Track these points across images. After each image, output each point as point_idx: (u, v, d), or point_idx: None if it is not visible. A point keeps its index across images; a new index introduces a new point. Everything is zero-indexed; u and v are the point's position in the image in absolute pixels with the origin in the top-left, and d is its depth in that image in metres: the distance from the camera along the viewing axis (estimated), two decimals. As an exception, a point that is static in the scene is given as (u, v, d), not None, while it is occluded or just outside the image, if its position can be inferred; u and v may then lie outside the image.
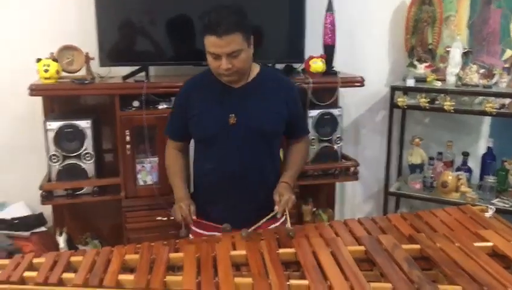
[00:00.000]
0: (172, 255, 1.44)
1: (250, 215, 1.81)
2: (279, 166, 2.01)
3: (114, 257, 1.43)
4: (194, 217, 1.83)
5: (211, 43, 1.69)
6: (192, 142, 2.04)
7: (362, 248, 1.48)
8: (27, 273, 1.35)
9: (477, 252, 1.43)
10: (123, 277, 1.32)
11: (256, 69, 1.90)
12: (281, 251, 1.46)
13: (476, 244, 1.49)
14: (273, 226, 1.86)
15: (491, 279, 1.29)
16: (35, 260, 1.42)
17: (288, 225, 1.66)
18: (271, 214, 1.74)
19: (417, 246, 1.48)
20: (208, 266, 1.37)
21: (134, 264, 1.41)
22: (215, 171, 1.88)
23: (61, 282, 1.32)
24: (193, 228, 1.96)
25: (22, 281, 1.34)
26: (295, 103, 1.96)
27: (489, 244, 1.50)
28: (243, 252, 1.45)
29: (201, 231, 1.92)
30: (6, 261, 1.43)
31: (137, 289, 1.28)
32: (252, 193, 1.86)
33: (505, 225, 1.69)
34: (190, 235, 1.95)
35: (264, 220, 1.73)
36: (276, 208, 1.75)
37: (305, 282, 1.29)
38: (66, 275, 1.34)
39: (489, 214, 1.77)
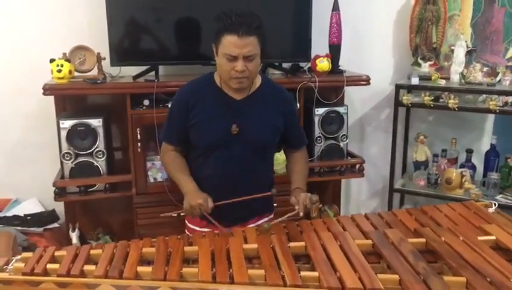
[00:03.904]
0: (187, 248, 1.49)
1: (242, 217, 1.92)
2: (272, 170, 2.09)
3: (132, 250, 1.48)
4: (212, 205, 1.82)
5: (230, 42, 1.70)
6: None
7: (369, 241, 1.53)
8: (50, 266, 1.41)
9: (480, 246, 1.47)
10: (142, 269, 1.38)
11: (258, 80, 1.91)
12: (292, 244, 1.51)
13: (480, 238, 1.54)
14: (260, 222, 1.96)
15: (494, 271, 1.33)
16: (57, 253, 1.48)
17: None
18: (293, 213, 1.80)
19: (422, 240, 1.53)
20: (222, 259, 1.42)
21: (151, 257, 1.46)
22: (212, 177, 1.89)
23: (82, 273, 1.38)
24: (188, 223, 2.03)
25: (45, 273, 1.40)
26: (293, 115, 2.02)
27: (492, 238, 1.54)
28: (255, 245, 1.50)
29: (194, 227, 1.99)
30: (29, 254, 1.49)
31: (155, 280, 1.34)
32: (247, 196, 1.86)
33: (507, 220, 1.73)
34: (186, 231, 2.02)
35: (285, 217, 1.80)
36: (297, 207, 1.79)
37: (315, 274, 1.34)
38: (87, 267, 1.40)
39: (492, 209, 1.81)
